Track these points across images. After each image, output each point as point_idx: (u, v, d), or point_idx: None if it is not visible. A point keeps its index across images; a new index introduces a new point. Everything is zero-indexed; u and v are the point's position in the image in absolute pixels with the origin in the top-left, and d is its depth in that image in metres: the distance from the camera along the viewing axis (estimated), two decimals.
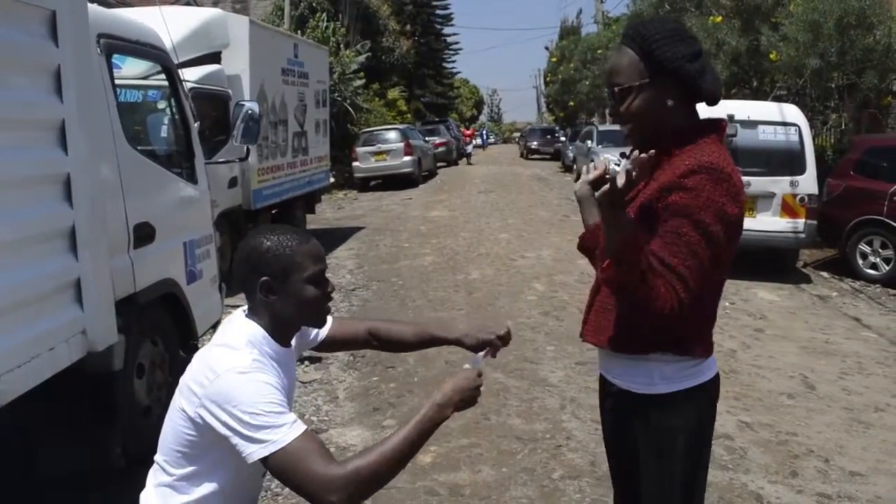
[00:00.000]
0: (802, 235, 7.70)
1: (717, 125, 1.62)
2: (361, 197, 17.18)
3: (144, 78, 4.38)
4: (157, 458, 1.59)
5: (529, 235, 10.52)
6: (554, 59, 33.80)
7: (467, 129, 38.11)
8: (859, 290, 7.64)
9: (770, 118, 7.86)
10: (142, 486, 1.63)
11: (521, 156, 34.84)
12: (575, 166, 20.45)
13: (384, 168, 18.23)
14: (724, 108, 7.46)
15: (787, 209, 7.64)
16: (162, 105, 4.50)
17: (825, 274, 8.43)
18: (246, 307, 1.62)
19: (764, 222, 7.52)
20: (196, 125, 4.35)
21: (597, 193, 1.41)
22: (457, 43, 51.17)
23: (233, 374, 1.43)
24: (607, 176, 1.39)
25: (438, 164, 24.31)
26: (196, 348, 3.81)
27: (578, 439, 3.80)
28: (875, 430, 4.00)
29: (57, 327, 2.54)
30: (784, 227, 7.65)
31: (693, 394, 1.62)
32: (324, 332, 1.86)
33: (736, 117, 7.51)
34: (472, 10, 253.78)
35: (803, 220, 7.61)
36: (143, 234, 3.43)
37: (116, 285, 3.00)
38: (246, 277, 1.56)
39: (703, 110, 1.61)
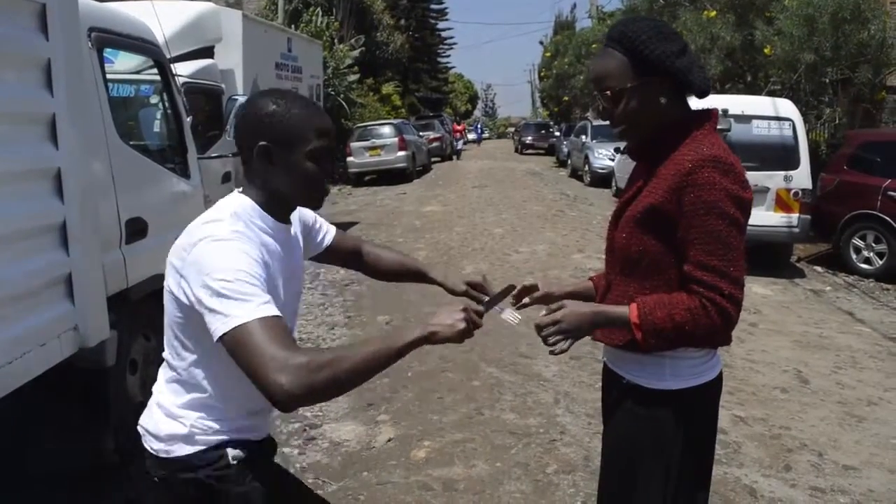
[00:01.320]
0: (796, 230, 7.73)
1: (709, 115, 1.63)
2: (355, 192, 17.14)
3: (136, 72, 4.36)
4: (164, 353, 1.53)
5: (524, 230, 10.51)
6: (548, 54, 33.73)
7: (458, 123, 37.91)
8: (853, 284, 7.68)
9: (764, 113, 7.88)
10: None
11: (516, 151, 34.83)
12: (569, 161, 20.46)
13: (378, 163, 18.21)
14: (719, 103, 7.52)
15: (781, 204, 7.66)
16: (154, 100, 4.47)
17: (819, 268, 8.47)
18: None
19: (758, 217, 7.48)
20: (189, 120, 4.33)
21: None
22: (451, 38, 50.99)
23: (207, 242, 1.33)
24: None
25: (433, 159, 24.27)
26: None
27: (572, 434, 3.81)
28: (868, 423, 4.02)
29: (48, 323, 2.53)
30: (778, 221, 7.68)
31: (700, 391, 1.62)
32: (329, 237, 1.83)
33: (730, 112, 7.52)
34: (467, 4, 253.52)
35: (797, 214, 7.64)
36: (136, 230, 3.41)
37: (108, 281, 2.99)
38: (245, 140, 1.43)
39: (695, 103, 1.62)
